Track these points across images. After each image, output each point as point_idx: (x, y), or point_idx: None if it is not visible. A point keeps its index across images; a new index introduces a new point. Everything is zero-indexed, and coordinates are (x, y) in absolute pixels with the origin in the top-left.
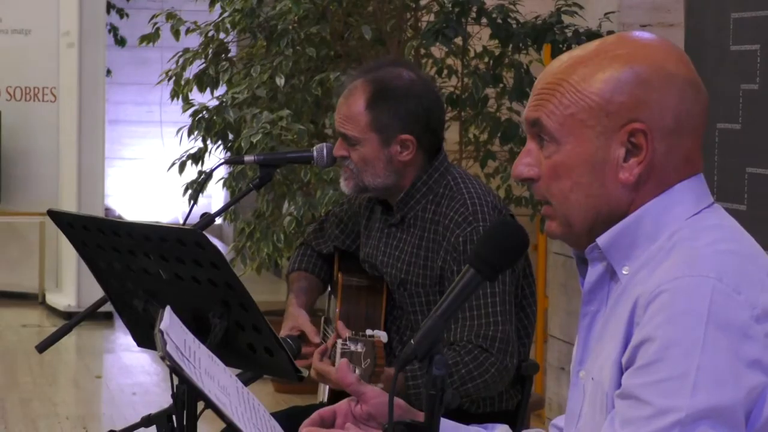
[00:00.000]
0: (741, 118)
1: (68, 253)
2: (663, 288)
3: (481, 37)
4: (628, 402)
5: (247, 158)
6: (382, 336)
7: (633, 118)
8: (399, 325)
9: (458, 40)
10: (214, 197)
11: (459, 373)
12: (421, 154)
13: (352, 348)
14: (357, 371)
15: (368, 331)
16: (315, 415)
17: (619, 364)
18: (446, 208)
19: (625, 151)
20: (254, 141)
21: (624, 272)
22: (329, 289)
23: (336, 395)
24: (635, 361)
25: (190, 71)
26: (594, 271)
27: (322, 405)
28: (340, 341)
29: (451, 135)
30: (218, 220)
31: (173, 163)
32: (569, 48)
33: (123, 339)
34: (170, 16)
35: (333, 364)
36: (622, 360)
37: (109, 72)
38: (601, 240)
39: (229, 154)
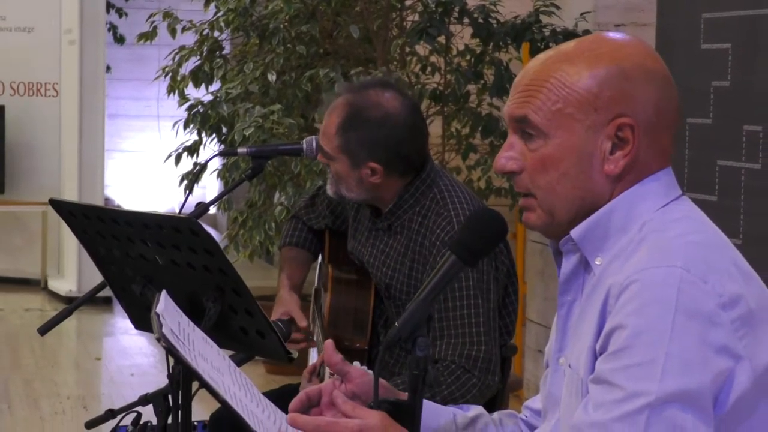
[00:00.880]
0: (712, 113)
1: (69, 241)
2: (633, 278)
3: (463, 35)
4: (601, 386)
5: (240, 150)
6: (369, 374)
7: (620, 113)
8: (385, 318)
9: (441, 39)
10: (209, 188)
11: (441, 394)
12: (393, 176)
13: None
14: None
15: (356, 364)
16: (302, 393)
17: (594, 352)
18: (433, 223)
19: (612, 145)
20: (247, 134)
21: (597, 263)
22: (320, 260)
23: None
24: (607, 348)
25: (186, 68)
26: (569, 263)
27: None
28: (329, 372)
29: (434, 129)
30: (212, 210)
31: (170, 155)
32: (547, 46)
33: (121, 322)
34: (167, 15)
35: (321, 382)
36: (596, 347)
37: (108, 68)
38: (575, 232)
39: (222, 146)
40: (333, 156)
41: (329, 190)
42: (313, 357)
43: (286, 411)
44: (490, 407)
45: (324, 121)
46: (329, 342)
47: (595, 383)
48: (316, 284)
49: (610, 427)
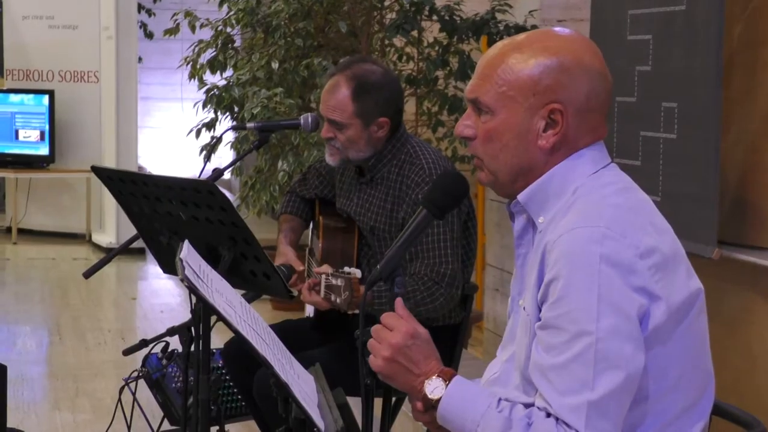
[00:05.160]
0: (636, 93)
1: (109, 201)
2: (564, 237)
3: (432, 30)
4: (547, 331)
5: (249, 125)
6: (357, 273)
7: (554, 99)
8: (369, 259)
9: (414, 33)
10: (224, 157)
11: (415, 299)
12: (392, 128)
13: (334, 282)
14: (338, 300)
15: (346, 269)
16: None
17: (536, 299)
18: (408, 171)
19: (545, 124)
20: (255, 112)
21: (540, 221)
22: (312, 226)
23: (320, 314)
24: (548, 298)
25: (204, 57)
26: (519, 222)
27: (308, 319)
28: (323, 276)
29: (409, 108)
30: (227, 175)
31: (191, 130)
32: (502, 38)
33: (153, 268)
34: (188, 14)
35: (319, 293)
36: (538, 296)
37: (140, 59)
38: (521, 196)
39: (235, 122)
40: (347, 123)
41: (332, 162)
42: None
43: (286, 339)
44: (455, 335)
45: (329, 99)
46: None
47: (542, 329)
48: (309, 245)
49: (568, 368)
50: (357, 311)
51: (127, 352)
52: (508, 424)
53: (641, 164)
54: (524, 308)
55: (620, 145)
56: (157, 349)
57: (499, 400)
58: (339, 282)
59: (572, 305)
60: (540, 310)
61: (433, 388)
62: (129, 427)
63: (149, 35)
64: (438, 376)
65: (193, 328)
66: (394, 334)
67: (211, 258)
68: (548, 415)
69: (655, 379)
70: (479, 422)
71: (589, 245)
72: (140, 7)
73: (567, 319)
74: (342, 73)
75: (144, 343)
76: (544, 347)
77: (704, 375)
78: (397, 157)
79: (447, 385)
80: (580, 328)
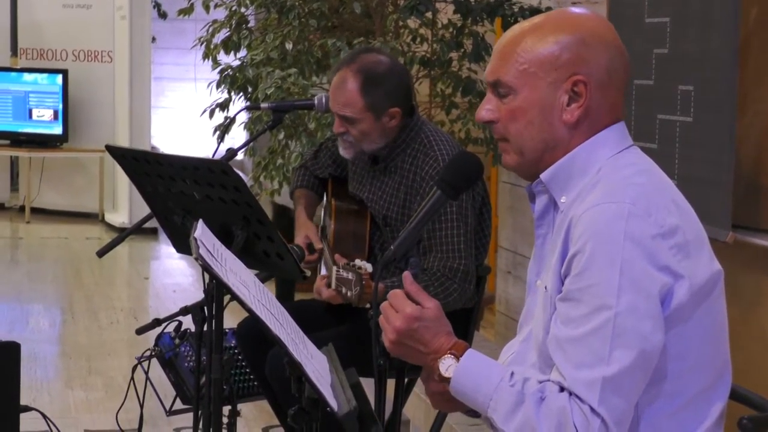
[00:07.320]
0: (654, 76)
1: (122, 181)
2: (589, 212)
3: (446, 11)
4: (568, 303)
5: (263, 106)
6: (368, 267)
7: (576, 72)
8: (381, 243)
9: (429, 14)
10: (237, 137)
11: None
12: (404, 117)
13: (344, 275)
14: (349, 294)
15: (357, 262)
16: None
17: (559, 274)
18: (422, 162)
19: (568, 98)
20: (268, 93)
21: (562, 201)
22: (324, 204)
23: None
24: (571, 271)
25: (218, 38)
26: (540, 202)
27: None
28: (334, 268)
29: (423, 89)
30: (240, 155)
31: (205, 110)
32: (516, 21)
33: (165, 248)
34: None
35: (329, 284)
36: (561, 271)
37: (153, 39)
38: (544, 176)
39: (248, 103)
40: (359, 117)
41: (346, 155)
42: (322, 272)
43: (299, 320)
44: (468, 316)
45: (338, 95)
46: (337, 255)
47: (562, 301)
48: (321, 222)
49: (585, 341)
50: (368, 306)
51: (140, 331)
52: (521, 399)
53: (658, 147)
54: (546, 288)
55: (637, 127)
56: (170, 328)
57: (512, 373)
58: (350, 276)
59: (594, 279)
60: (563, 284)
61: (447, 366)
62: (141, 406)
63: (163, 15)
64: (450, 352)
65: (206, 308)
66: (398, 317)
67: (225, 238)
68: (561, 389)
69: (673, 359)
70: (492, 396)
71: (615, 221)
72: None
73: (588, 293)
74: (348, 67)
75: (157, 322)
76: (563, 320)
77: (722, 357)
78: (411, 146)
79: (459, 360)
80: (600, 303)
